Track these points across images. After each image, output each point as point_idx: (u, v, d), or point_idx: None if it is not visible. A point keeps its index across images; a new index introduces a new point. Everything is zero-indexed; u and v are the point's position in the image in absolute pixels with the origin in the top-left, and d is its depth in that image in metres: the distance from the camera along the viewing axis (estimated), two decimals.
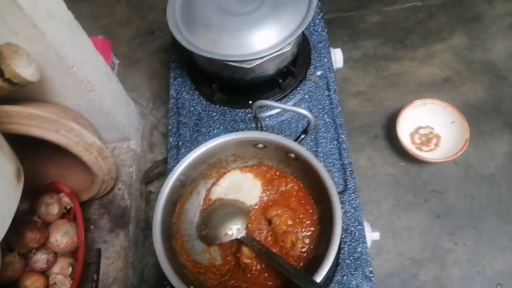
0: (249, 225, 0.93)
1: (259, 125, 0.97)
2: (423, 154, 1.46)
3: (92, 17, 2.04)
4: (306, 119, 0.90)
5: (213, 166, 0.97)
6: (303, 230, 0.94)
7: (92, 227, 1.31)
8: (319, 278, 0.75)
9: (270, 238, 0.93)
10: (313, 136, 1.12)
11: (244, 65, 0.99)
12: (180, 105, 1.19)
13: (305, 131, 0.93)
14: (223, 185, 1.02)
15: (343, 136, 1.13)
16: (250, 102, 1.16)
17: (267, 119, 1.17)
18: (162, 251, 0.81)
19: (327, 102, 1.17)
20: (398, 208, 1.45)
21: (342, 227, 0.83)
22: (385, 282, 1.34)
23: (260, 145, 0.92)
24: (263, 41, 1.00)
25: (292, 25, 1.02)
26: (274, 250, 0.87)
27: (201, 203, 1.01)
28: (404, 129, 1.51)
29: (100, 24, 2.02)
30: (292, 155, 0.89)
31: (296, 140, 0.93)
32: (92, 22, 2.02)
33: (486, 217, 1.42)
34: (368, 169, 1.51)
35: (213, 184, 1.01)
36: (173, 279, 0.77)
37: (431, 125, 1.55)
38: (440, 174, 1.50)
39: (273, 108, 1.16)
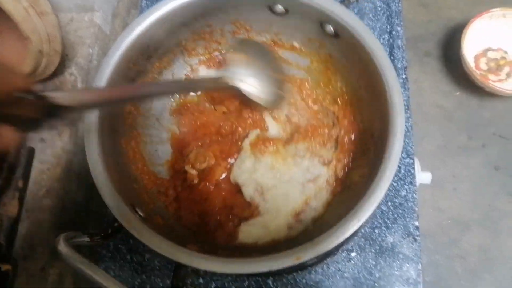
0: None
1: None
2: (490, 83, 1.17)
3: None
4: None
5: (200, 35, 0.73)
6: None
7: None
8: (348, 230, 0.51)
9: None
10: None
11: None
12: None
13: None
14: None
15: (399, 28, 0.86)
16: None
17: None
18: (97, 152, 0.57)
19: None
20: (445, 151, 1.20)
21: None
22: None
23: (280, 8, 0.67)
24: None
25: None
26: None
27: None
28: (469, 49, 1.23)
29: None
30: (330, 27, 0.64)
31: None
32: None
33: None
34: (412, 96, 1.17)
35: (200, 63, 0.77)
36: (109, 196, 0.55)
37: (505, 48, 1.28)
38: (508, 113, 1.24)
39: None
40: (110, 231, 0.57)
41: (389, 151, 0.53)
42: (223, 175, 0.70)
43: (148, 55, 0.67)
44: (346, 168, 0.67)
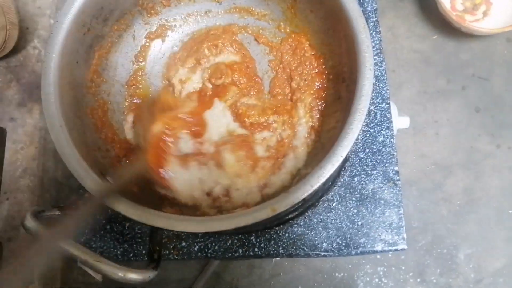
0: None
1: None
2: (467, 23, 1.09)
3: None
4: None
5: None
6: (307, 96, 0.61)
7: None
8: (322, 176, 0.50)
9: None
10: None
11: None
12: None
13: None
14: (181, 31, 0.75)
15: None
16: None
17: None
18: (58, 124, 0.54)
19: None
20: (425, 96, 1.15)
21: None
22: None
23: None
24: None
25: None
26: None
27: (137, 53, 0.66)
28: None
29: None
30: None
31: None
32: None
33: None
34: (388, 42, 1.16)
35: (161, 27, 0.74)
36: (76, 168, 0.53)
37: None
38: (486, 53, 1.18)
39: None
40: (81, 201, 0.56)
41: (359, 89, 0.52)
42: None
43: (103, 18, 0.63)
44: (321, 116, 0.66)
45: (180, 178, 0.59)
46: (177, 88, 0.69)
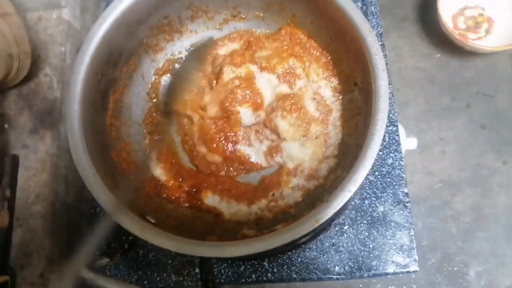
0: None
1: None
2: (470, 42, 1.10)
3: None
4: None
5: (159, 29, 0.72)
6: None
7: (6, 126, 0.96)
8: (357, 180, 0.52)
9: None
10: None
11: None
12: None
13: None
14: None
15: None
16: None
17: None
18: (91, 174, 0.55)
19: None
20: (430, 114, 1.17)
21: None
22: None
23: None
24: None
25: None
26: None
27: (149, 90, 0.68)
28: (445, 9, 1.17)
29: None
30: None
31: None
32: None
33: None
34: (393, 62, 1.18)
35: (167, 61, 0.76)
36: (119, 214, 0.53)
37: (482, 4, 1.22)
38: (490, 71, 1.21)
39: None
40: (127, 246, 0.58)
41: (376, 90, 0.54)
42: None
43: (113, 62, 0.65)
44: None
45: None
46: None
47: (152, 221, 0.56)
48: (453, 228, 1.06)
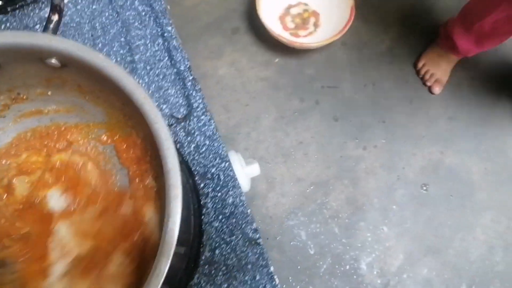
0: None
1: None
2: (301, 40, 1.12)
3: None
4: None
5: None
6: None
7: None
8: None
9: None
10: (123, 38, 0.69)
11: None
12: None
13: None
14: None
15: (169, 28, 0.76)
16: None
17: None
18: None
19: None
20: (283, 121, 1.15)
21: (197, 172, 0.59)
22: (286, 223, 1.02)
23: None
24: None
25: None
26: None
27: None
28: (270, 13, 1.18)
29: None
30: (53, 61, 0.46)
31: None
32: None
33: (393, 105, 1.19)
34: (234, 78, 1.15)
35: None
36: None
37: (304, 0, 1.23)
38: (329, 63, 1.21)
39: None
40: None
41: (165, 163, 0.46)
42: None
43: None
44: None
45: None
46: None
47: None
48: (335, 227, 1.04)
